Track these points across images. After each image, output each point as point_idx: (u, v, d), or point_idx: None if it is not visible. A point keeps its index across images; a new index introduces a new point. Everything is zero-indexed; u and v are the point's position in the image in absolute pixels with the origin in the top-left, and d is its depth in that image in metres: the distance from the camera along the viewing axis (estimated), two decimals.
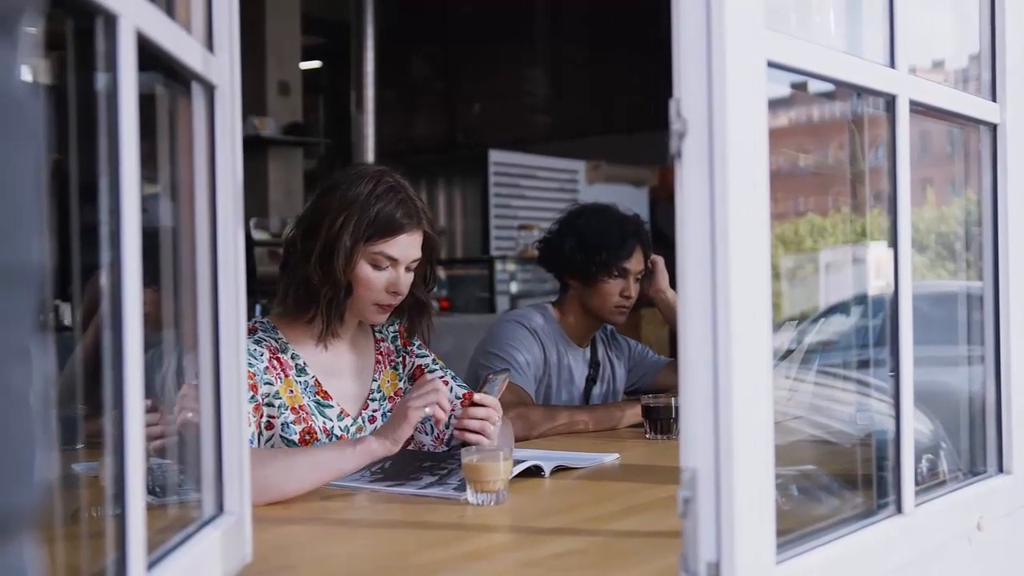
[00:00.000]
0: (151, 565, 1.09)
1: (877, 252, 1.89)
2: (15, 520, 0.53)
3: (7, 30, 0.51)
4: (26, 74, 0.55)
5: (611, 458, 2.35)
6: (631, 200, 7.25)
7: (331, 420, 2.21)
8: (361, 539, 1.73)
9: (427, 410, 2.00)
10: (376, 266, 2.19)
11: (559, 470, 2.18)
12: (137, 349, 1.01)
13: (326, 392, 2.23)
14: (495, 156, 8.20)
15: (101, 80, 1.00)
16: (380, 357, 2.37)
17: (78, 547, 1.27)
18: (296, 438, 2.15)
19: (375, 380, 2.34)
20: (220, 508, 1.37)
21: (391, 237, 2.18)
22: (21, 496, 0.53)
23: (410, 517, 1.80)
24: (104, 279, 1.00)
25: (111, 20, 0.99)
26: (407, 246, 2.21)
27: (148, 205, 1.08)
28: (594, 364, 3.15)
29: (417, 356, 2.43)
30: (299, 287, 2.19)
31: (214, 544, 1.29)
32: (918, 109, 1.58)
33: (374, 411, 2.31)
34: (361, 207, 2.15)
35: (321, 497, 1.92)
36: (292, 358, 2.21)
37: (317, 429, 2.18)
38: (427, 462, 2.15)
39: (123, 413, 1.00)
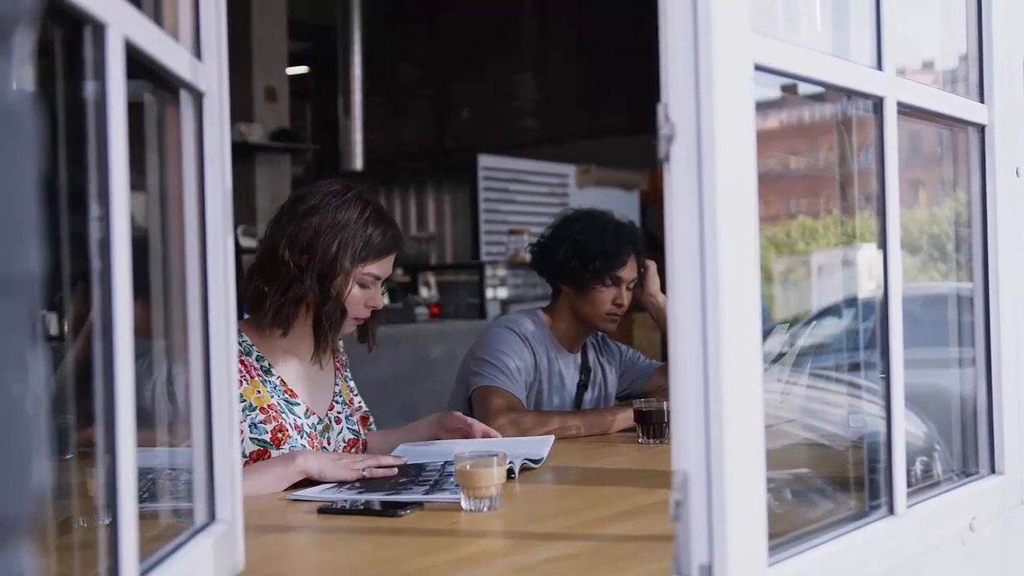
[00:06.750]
0: (143, 573, 1.08)
1: (868, 254, 1.90)
2: (13, 527, 0.53)
3: (2, 39, 0.51)
4: (21, 83, 0.55)
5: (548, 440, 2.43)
6: (621, 204, 7.24)
7: (300, 417, 2.31)
8: (354, 547, 1.72)
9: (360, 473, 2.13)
10: (362, 285, 2.31)
11: (526, 469, 2.22)
12: (127, 357, 1.01)
13: (292, 391, 2.32)
14: (484, 161, 8.17)
15: (89, 88, 1.00)
16: (339, 365, 2.50)
17: (68, 556, 1.27)
18: (268, 437, 2.23)
19: (336, 385, 2.46)
20: (212, 516, 1.36)
21: (381, 259, 2.31)
22: (19, 503, 0.54)
23: (403, 524, 1.79)
24: (95, 288, 0.99)
25: (99, 29, 0.99)
26: (390, 265, 2.36)
27: (136, 213, 1.08)
28: (585, 370, 3.14)
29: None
30: (291, 304, 2.27)
31: (206, 552, 1.29)
32: (906, 111, 1.58)
33: (338, 413, 2.43)
34: (354, 231, 2.27)
35: (313, 507, 1.91)
36: (257, 360, 2.30)
37: (288, 426, 2.27)
38: (409, 473, 2.14)
39: (114, 423, 1.00)
